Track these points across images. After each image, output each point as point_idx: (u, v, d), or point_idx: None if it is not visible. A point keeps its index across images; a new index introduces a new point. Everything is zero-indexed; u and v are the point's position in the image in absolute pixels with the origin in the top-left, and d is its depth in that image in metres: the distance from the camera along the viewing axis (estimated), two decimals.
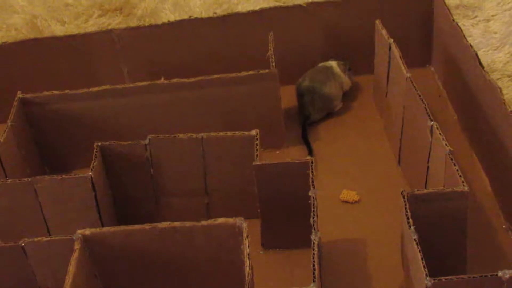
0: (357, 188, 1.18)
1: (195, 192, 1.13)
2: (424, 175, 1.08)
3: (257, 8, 1.40)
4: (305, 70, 1.37)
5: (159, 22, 1.42)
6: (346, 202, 1.16)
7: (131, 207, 1.14)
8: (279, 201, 1.04)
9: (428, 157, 1.06)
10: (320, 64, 1.36)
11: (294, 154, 1.25)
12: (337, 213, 1.14)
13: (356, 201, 1.16)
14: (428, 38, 1.39)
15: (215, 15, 1.39)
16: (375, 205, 1.15)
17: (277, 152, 1.28)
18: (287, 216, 1.05)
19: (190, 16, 1.45)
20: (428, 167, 1.06)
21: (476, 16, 1.54)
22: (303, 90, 1.32)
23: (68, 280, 0.85)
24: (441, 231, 0.93)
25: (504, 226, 1.08)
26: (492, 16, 1.55)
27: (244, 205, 1.11)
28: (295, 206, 1.01)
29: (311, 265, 0.85)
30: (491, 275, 0.80)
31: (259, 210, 1.06)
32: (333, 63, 1.35)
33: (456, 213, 0.94)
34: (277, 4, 1.63)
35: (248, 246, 0.88)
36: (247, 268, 0.85)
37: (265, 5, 1.63)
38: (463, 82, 1.22)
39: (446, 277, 0.80)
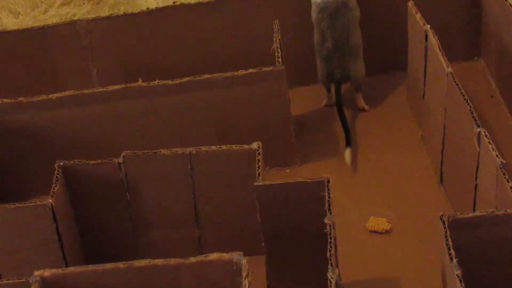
0: (388, 215, 1.18)
1: (183, 222, 1.13)
2: (472, 195, 1.09)
3: None
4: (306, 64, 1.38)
5: (137, 11, 1.41)
6: (375, 232, 1.16)
7: (103, 243, 1.15)
8: (287, 231, 1.04)
9: (476, 172, 1.06)
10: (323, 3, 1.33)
11: (307, 173, 1.26)
12: (362, 246, 1.15)
13: (387, 231, 1.16)
14: (476, 24, 1.39)
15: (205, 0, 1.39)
16: (410, 236, 1.16)
17: (287, 170, 1.28)
18: (298, 250, 1.05)
19: (174, 2, 1.47)
20: (476, 185, 1.07)
21: None
22: (330, 57, 1.34)
23: None
24: (491, 264, 0.93)
25: None
26: None
27: (244, 238, 1.11)
28: (307, 237, 1.02)
29: None
30: None
31: (263, 244, 1.06)
32: None
33: (510, 241, 0.94)
34: None
35: (249, 287, 0.89)
36: None
37: None
38: None
39: None
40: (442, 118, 1.17)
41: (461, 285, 0.85)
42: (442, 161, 1.20)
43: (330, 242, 0.94)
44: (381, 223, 1.16)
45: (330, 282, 0.89)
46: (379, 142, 1.33)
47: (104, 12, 1.64)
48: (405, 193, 1.22)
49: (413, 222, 1.17)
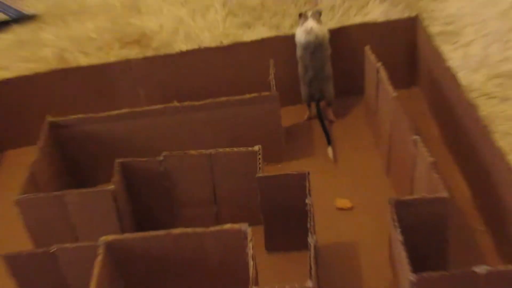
0: (350, 197, 1.20)
1: (205, 202, 1.15)
2: (410, 184, 1.11)
3: (259, 37, 1.43)
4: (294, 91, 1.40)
5: (172, 52, 1.44)
6: (341, 209, 1.18)
7: (149, 217, 1.17)
8: (279, 208, 1.07)
9: (413, 168, 1.08)
10: (303, 38, 1.35)
11: (293, 167, 1.27)
12: (332, 219, 1.16)
13: (349, 208, 1.18)
14: (413, 62, 1.42)
15: (221, 44, 1.41)
16: (366, 212, 1.18)
17: (279, 166, 1.30)
18: (287, 221, 1.07)
19: (199, 46, 1.49)
20: (412, 177, 1.09)
21: (456, 42, 1.58)
22: (311, 78, 1.35)
23: (93, 282, 0.88)
24: (424, 234, 0.95)
25: (481, 228, 1.11)
26: (471, 41, 1.58)
27: (249, 213, 1.12)
28: (294, 213, 1.04)
29: (308, 266, 0.88)
30: (468, 271, 0.83)
31: (262, 217, 1.09)
32: (311, 26, 1.34)
33: (437, 217, 0.96)
34: (278, 33, 1.67)
35: (253, 248, 0.91)
36: (251, 268, 0.88)
37: (266, 34, 1.67)
38: (444, 100, 1.25)
39: (428, 273, 0.83)
40: (388, 129, 1.19)
41: (403, 247, 0.87)
42: (388, 160, 1.22)
43: (310, 216, 0.96)
44: (345, 202, 1.19)
45: (310, 245, 0.91)
46: (344, 145, 1.34)
47: (149, 53, 1.65)
48: (362, 182, 1.24)
49: (367, 202, 1.19)
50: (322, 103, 1.38)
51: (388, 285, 1.03)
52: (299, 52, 1.36)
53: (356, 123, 1.40)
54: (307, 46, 1.33)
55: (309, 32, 1.33)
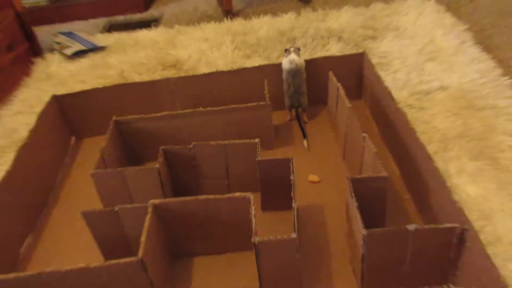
0: (318, 173, 1.16)
1: (220, 176, 1.10)
2: (359, 166, 1.07)
3: (256, 65, 1.38)
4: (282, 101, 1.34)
5: (198, 73, 1.38)
6: (312, 182, 1.14)
7: (181, 186, 1.12)
8: (272, 181, 1.02)
9: (362, 155, 1.04)
10: (288, 66, 1.29)
11: (279, 152, 1.23)
12: (306, 189, 1.12)
13: (318, 182, 1.14)
14: (360, 82, 1.37)
15: (232, 69, 1.36)
16: (329, 184, 1.13)
17: (270, 151, 1.25)
18: (277, 190, 1.03)
19: (216, 70, 1.44)
20: (362, 161, 1.05)
21: (388, 69, 1.53)
22: (292, 93, 1.30)
23: (144, 234, 0.84)
24: (370, 201, 0.91)
25: (407, 197, 1.07)
26: (397, 69, 1.53)
27: (250, 184, 1.09)
28: (281, 185, 1.00)
29: (292, 222, 0.84)
30: (402, 228, 0.79)
31: (260, 187, 1.04)
32: (294, 58, 1.28)
33: (379, 190, 0.92)
34: (270, 62, 1.63)
35: (254, 210, 0.87)
36: (253, 224, 0.84)
37: (261, 63, 1.62)
38: (381, 109, 1.20)
39: (374, 229, 0.79)
40: (344, 128, 1.15)
41: (357, 211, 0.83)
42: (344, 148, 1.18)
43: (293, 188, 0.92)
44: (314, 178, 1.14)
45: (293, 208, 0.87)
46: (314, 139, 1.29)
47: (182, 74, 1.61)
48: (326, 163, 1.19)
49: (330, 177, 1.15)
50: (299, 110, 1.33)
51: (344, 235, 0.99)
52: (284, 75, 1.30)
53: (321, 124, 1.34)
54: (289, 71, 1.28)
55: (291, 62, 1.28)
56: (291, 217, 0.97)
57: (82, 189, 1.20)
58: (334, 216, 1.04)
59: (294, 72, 1.28)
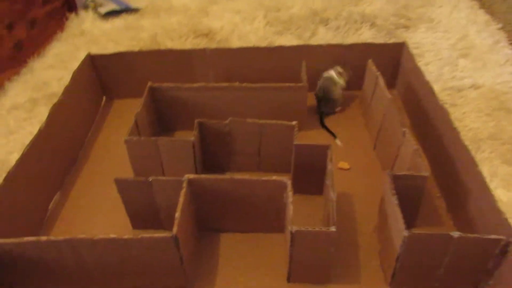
0: (348, 161, 1.07)
1: (252, 154, 1.02)
2: (393, 159, 0.98)
3: (288, 42, 1.27)
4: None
5: (231, 46, 1.27)
6: (342, 169, 1.05)
7: (212, 160, 1.03)
8: (306, 166, 0.93)
9: (398, 150, 0.95)
10: (325, 75, 1.19)
11: (311, 134, 1.14)
12: (335, 176, 1.01)
13: (348, 169, 1.05)
14: (395, 71, 1.26)
15: (269, 45, 1.25)
16: (359, 172, 1.05)
17: (300, 132, 1.15)
18: (309, 175, 0.94)
19: (248, 44, 1.33)
20: (397, 155, 0.96)
21: (420, 61, 1.41)
22: (320, 97, 1.19)
23: (178, 209, 0.76)
24: (406, 199, 0.82)
25: (438, 195, 0.98)
26: (429, 62, 1.42)
27: (281, 165, 1.01)
28: (314, 170, 0.92)
29: (331, 214, 0.76)
30: (446, 234, 0.71)
31: (292, 169, 0.96)
32: (332, 74, 1.18)
33: (418, 188, 0.84)
34: (302, 41, 1.52)
35: (292, 195, 0.79)
36: (290, 211, 0.76)
37: (293, 41, 1.51)
38: (418, 103, 1.10)
39: (418, 231, 0.71)
40: (380, 119, 1.05)
41: (399, 210, 0.75)
42: (377, 138, 1.09)
43: (331, 177, 0.83)
44: (345, 165, 1.06)
45: (332, 199, 0.79)
46: (344, 124, 1.19)
47: (213, 44, 1.51)
48: (356, 151, 1.10)
49: (360, 165, 1.06)
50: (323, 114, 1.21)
51: (373, 228, 0.92)
52: (319, 82, 1.20)
53: (352, 110, 1.24)
54: (321, 84, 1.19)
55: (327, 78, 1.18)
56: (319, 202, 0.90)
57: (111, 150, 1.12)
58: (363, 207, 0.96)
59: (325, 87, 1.18)
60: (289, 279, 0.81)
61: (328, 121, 1.19)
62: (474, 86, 1.31)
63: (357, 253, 0.87)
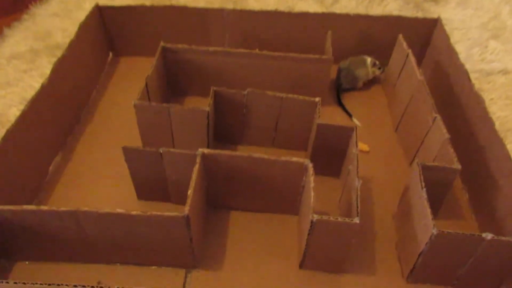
0: (368, 143, 1.01)
1: (268, 128, 0.96)
2: (417, 145, 0.93)
3: (309, 8, 1.18)
4: (342, 58, 1.15)
5: (251, 8, 1.17)
6: (361, 151, 0.99)
7: (224, 131, 0.97)
8: (327, 146, 0.88)
9: (425, 136, 0.89)
10: (360, 56, 1.13)
11: (328, 110, 1.07)
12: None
13: (367, 151, 1.00)
14: (423, 50, 1.18)
15: (291, 11, 1.15)
16: (378, 155, 0.99)
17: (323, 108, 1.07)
18: (329, 156, 0.89)
19: (268, 8, 1.23)
20: (423, 141, 0.90)
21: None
22: (342, 68, 1.12)
23: (191, 187, 0.71)
24: (431, 190, 0.76)
25: (460, 187, 0.94)
26: (458, 41, 1.34)
27: (298, 143, 0.96)
28: (334, 151, 0.87)
29: (355, 204, 0.71)
30: (477, 235, 0.66)
31: (310, 149, 0.90)
32: (368, 58, 1.12)
33: (446, 181, 0.79)
34: (324, 7, 1.42)
35: (313, 179, 0.74)
36: (312, 198, 0.71)
37: (315, 7, 1.42)
38: (447, 87, 1.03)
39: (447, 230, 0.67)
40: (407, 100, 0.98)
41: (427, 204, 0.70)
42: (400, 120, 1.02)
43: (357, 163, 0.78)
44: (364, 147, 1.00)
45: (357, 187, 0.73)
46: (364, 102, 1.13)
47: (229, 5, 1.40)
48: (375, 133, 1.04)
49: (380, 150, 1.00)
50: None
51: (392, 216, 0.87)
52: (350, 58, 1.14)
53: (373, 87, 1.17)
54: (351, 58, 1.13)
55: (360, 58, 1.13)
56: (336, 185, 0.86)
57: (117, 112, 1.06)
58: (382, 192, 0.91)
59: (354, 61, 1.13)
60: (301, 266, 0.77)
61: (347, 98, 1.13)
62: (504, 71, 1.24)
63: (373, 242, 0.83)
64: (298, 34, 1.14)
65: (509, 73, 1.23)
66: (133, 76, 1.16)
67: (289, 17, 1.13)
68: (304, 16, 1.12)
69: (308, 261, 0.75)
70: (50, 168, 0.94)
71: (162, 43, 1.00)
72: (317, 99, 0.88)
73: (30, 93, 1.09)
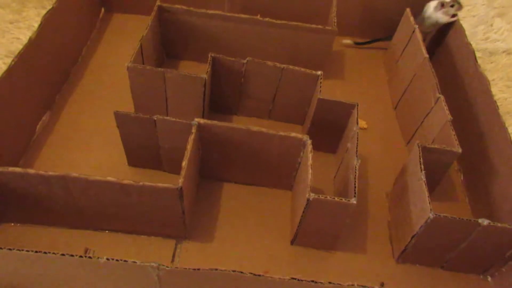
0: (365, 119, 0.99)
1: (265, 100, 0.93)
2: (416, 124, 0.91)
3: None
4: (346, 30, 1.11)
5: None
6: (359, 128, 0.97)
7: (221, 100, 0.94)
8: (325, 122, 0.85)
9: (425, 116, 0.88)
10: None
11: (329, 84, 1.04)
12: None
13: (365, 128, 0.98)
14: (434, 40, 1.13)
15: None
16: (376, 132, 0.98)
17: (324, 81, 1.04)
18: (326, 132, 0.87)
19: None
20: (423, 121, 0.89)
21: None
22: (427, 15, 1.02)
23: (186, 158, 0.68)
24: (429, 172, 0.75)
25: (456, 168, 0.93)
26: (463, 17, 1.30)
27: (294, 116, 0.94)
28: (333, 127, 0.85)
29: (353, 184, 0.70)
30: (473, 220, 0.66)
31: (308, 123, 0.88)
32: (431, 4, 1.02)
33: (444, 163, 0.78)
34: None
35: (311, 156, 0.72)
36: (310, 176, 0.69)
37: None
38: (451, 67, 1.01)
39: (443, 215, 0.66)
40: (410, 78, 0.96)
41: (425, 187, 0.69)
42: (400, 98, 1.00)
43: (357, 142, 0.76)
44: (363, 123, 0.98)
45: (355, 166, 0.72)
46: (363, 77, 1.10)
47: None
48: (373, 110, 1.03)
49: (377, 127, 0.99)
50: None
51: (386, 195, 0.87)
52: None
53: (374, 61, 1.14)
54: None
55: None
56: (332, 161, 0.85)
57: (108, 72, 1.01)
58: (377, 171, 0.90)
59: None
60: (293, 242, 0.77)
61: (346, 71, 1.10)
62: (507, 51, 1.21)
63: (366, 220, 0.83)
64: (302, 2, 1.09)
65: None
66: (126, 34, 1.10)
67: None
68: None
69: (300, 238, 0.75)
70: (37, 127, 0.90)
71: (158, 2, 0.95)
72: (319, 72, 0.85)
73: (17, 46, 1.04)
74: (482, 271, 0.76)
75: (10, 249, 0.58)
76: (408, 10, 1.02)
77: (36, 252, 0.58)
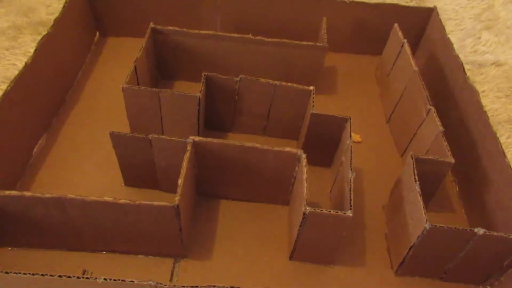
0: (360, 133, 1.00)
1: (259, 116, 0.93)
2: (409, 137, 0.92)
3: None
4: (337, 46, 1.13)
5: None
6: (353, 141, 0.97)
7: (215, 117, 0.95)
8: (319, 136, 0.86)
9: (418, 128, 0.88)
10: None
11: (321, 99, 1.05)
12: None
13: (359, 142, 0.99)
14: (416, 41, 1.16)
15: None
16: (370, 145, 0.98)
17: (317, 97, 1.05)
18: (320, 146, 0.87)
19: None
20: (415, 134, 0.89)
21: None
22: None
23: (182, 176, 0.69)
24: (423, 183, 0.75)
25: (451, 179, 0.94)
26: (451, 31, 1.33)
27: (289, 131, 0.94)
28: (327, 141, 0.86)
29: (348, 197, 0.70)
30: (469, 230, 0.66)
31: (302, 138, 0.88)
32: None
33: (439, 174, 0.79)
34: None
35: (306, 170, 0.72)
36: (305, 189, 0.70)
37: None
38: (441, 79, 1.02)
39: (440, 225, 0.66)
40: (401, 90, 0.97)
41: (420, 198, 0.69)
42: (393, 112, 1.01)
43: (351, 155, 0.77)
44: (357, 137, 0.99)
45: (350, 180, 0.72)
46: (355, 91, 1.11)
47: None
48: (367, 123, 1.03)
49: (371, 140, 1.00)
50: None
51: (382, 207, 0.87)
52: None
53: (368, 77, 1.16)
54: None
55: None
56: (327, 176, 0.85)
57: (103, 94, 1.02)
58: (373, 184, 0.90)
59: None
60: (291, 257, 0.76)
61: (339, 86, 1.11)
62: (496, 63, 1.23)
63: (363, 233, 0.83)
64: (293, 20, 1.11)
65: (501, 65, 1.23)
66: (121, 57, 1.12)
67: (283, 2, 1.10)
68: (299, 1, 1.09)
69: (298, 252, 0.75)
70: (34, 150, 0.91)
71: (152, 24, 0.97)
72: (311, 87, 0.86)
73: (13, 72, 1.05)
74: (482, 281, 0.76)
75: (7, 273, 0.58)
76: (396, 25, 1.03)
77: (33, 274, 0.58)
